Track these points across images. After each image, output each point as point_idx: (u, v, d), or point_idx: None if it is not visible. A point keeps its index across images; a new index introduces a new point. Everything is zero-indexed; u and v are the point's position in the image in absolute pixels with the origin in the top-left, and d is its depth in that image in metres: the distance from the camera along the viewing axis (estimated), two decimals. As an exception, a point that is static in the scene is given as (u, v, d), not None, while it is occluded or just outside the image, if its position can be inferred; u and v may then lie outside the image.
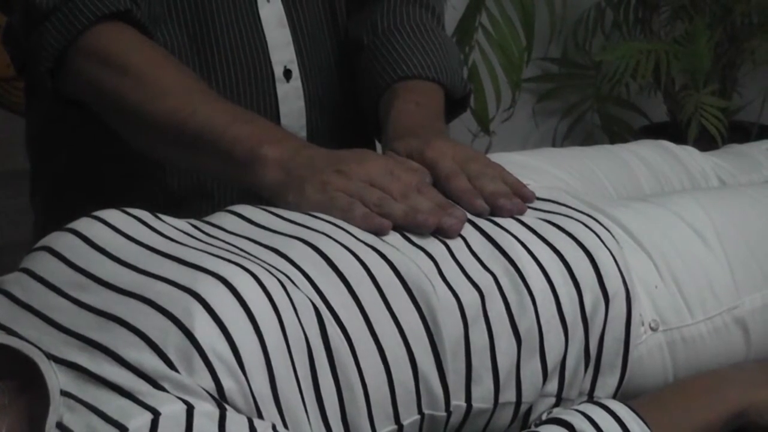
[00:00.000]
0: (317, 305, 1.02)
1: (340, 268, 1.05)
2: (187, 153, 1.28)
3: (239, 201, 1.17)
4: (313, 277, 1.04)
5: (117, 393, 0.94)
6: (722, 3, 2.88)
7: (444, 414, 1.07)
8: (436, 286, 1.07)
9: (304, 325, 1.00)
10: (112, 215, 1.10)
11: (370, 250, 1.08)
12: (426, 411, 1.06)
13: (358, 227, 1.11)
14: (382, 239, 1.10)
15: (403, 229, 1.12)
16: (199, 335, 0.95)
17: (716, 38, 2.89)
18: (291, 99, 1.48)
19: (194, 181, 1.44)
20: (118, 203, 1.12)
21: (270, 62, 1.47)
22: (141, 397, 0.93)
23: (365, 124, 1.52)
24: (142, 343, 0.95)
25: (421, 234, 1.12)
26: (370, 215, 1.12)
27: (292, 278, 1.03)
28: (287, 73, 1.48)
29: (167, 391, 0.93)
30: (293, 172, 1.17)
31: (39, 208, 1.58)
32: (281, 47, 1.48)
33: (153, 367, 0.94)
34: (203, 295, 0.97)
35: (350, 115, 1.54)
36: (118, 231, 1.08)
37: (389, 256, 1.07)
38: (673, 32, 2.98)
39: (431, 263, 1.09)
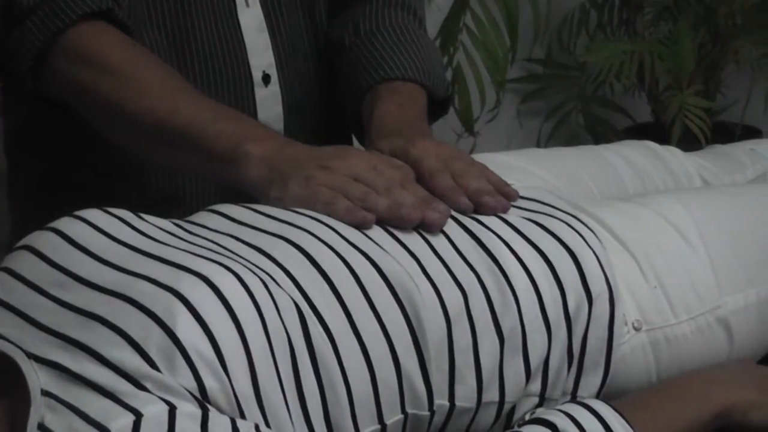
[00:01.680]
0: (300, 304, 1.01)
1: (323, 266, 1.05)
2: (170, 151, 1.27)
3: (217, 203, 1.17)
4: (296, 276, 1.03)
5: (99, 393, 0.93)
6: (706, 4, 2.88)
7: (427, 413, 1.07)
8: (419, 284, 1.07)
9: (287, 325, 1.00)
10: (94, 215, 1.10)
11: (353, 249, 1.07)
12: (409, 410, 1.06)
13: (341, 221, 1.11)
14: (365, 236, 1.10)
15: (386, 223, 1.12)
16: (181, 334, 0.95)
17: (700, 39, 2.89)
18: (269, 104, 1.48)
19: (173, 183, 1.44)
20: (97, 204, 1.12)
21: (249, 67, 1.46)
22: (123, 398, 0.93)
23: (343, 129, 1.52)
24: (124, 342, 0.95)
25: (405, 228, 1.12)
26: (353, 208, 1.12)
27: (275, 277, 1.02)
28: (266, 78, 1.47)
29: (149, 391, 0.93)
30: (277, 168, 1.17)
31: (17, 209, 1.57)
32: (260, 52, 1.47)
33: (135, 367, 0.94)
34: (185, 294, 0.97)
35: (328, 120, 1.54)
36: (100, 230, 1.08)
37: (372, 255, 1.07)
38: (657, 33, 2.99)
39: (414, 261, 1.09)
